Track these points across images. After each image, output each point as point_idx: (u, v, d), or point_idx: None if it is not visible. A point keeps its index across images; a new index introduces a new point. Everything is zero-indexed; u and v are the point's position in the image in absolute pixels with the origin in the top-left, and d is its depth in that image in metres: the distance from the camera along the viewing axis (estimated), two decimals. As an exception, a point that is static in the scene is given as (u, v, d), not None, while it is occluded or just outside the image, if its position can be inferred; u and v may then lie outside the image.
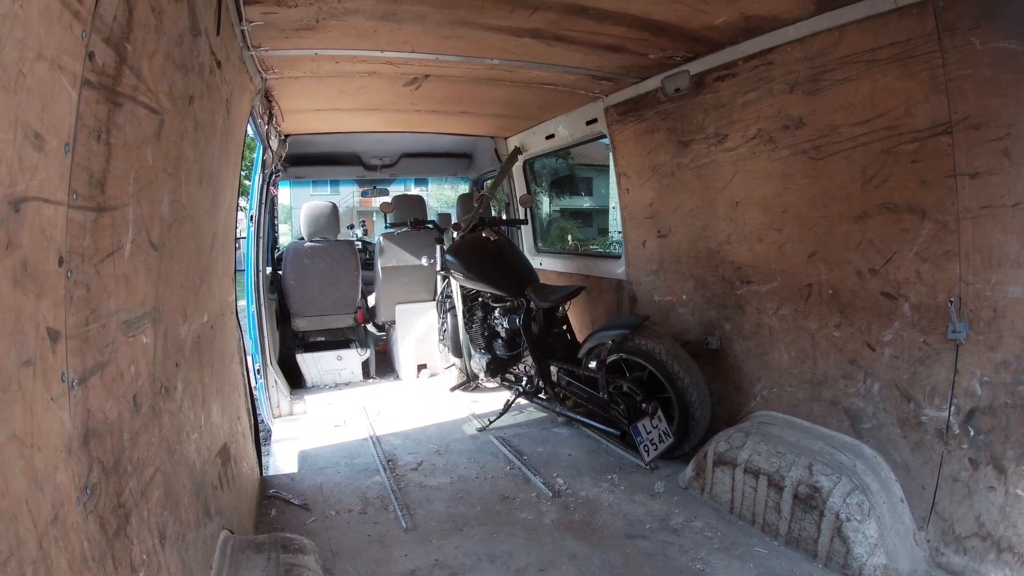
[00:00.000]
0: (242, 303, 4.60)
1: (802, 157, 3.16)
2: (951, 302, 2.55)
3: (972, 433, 2.52)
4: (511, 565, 2.78)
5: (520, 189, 6.29)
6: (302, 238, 6.02)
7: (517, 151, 5.92)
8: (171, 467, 1.76)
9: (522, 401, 4.72)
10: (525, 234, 6.29)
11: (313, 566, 2.26)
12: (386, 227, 6.11)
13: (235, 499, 2.67)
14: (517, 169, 6.18)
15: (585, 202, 27.14)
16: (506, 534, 3.04)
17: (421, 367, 6.05)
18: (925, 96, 2.57)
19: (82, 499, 1.15)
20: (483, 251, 4.87)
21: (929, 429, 2.68)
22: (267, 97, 4.11)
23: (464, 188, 8.16)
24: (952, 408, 2.58)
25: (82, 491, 1.15)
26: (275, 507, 3.32)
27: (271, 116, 4.37)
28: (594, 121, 4.76)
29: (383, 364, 6.48)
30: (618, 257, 4.89)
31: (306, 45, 3.30)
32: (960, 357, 2.55)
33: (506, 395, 4.74)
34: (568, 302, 4.44)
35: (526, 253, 5.96)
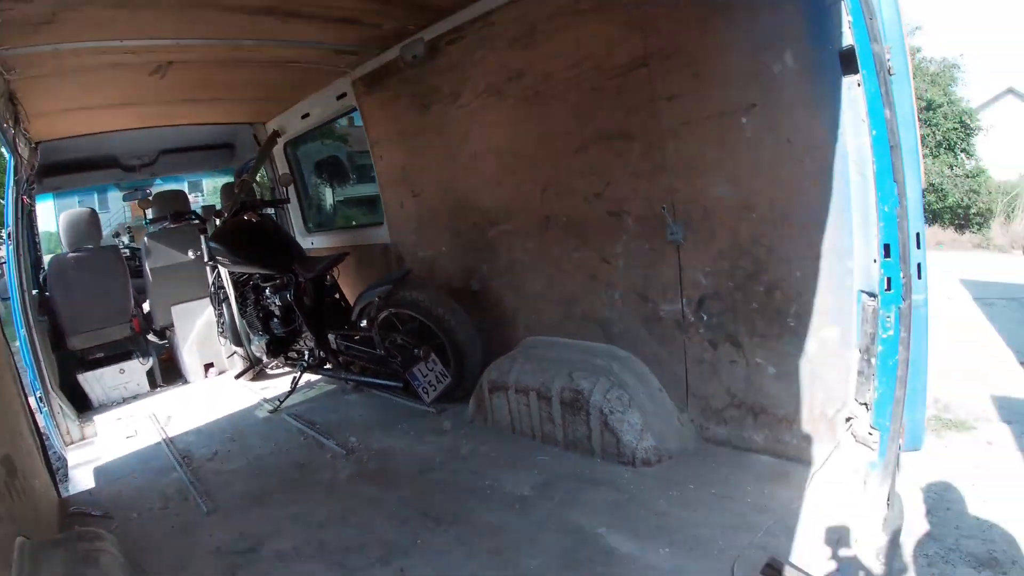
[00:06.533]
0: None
1: (525, 104, 3.21)
2: (664, 208, 2.71)
3: (705, 318, 2.70)
4: (312, 521, 2.62)
5: (283, 171, 5.81)
6: (65, 252, 5.05)
7: (276, 134, 5.45)
8: None
9: (312, 377, 4.42)
10: (294, 217, 5.83)
11: (111, 548, 2.06)
12: (147, 227, 5.32)
13: (29, 511, 2.30)
14: (278, 152, 5.69)
15: (367, 189, 25.92)
16: (304, 495, 2.86)
17: (208, 366, 5.36)
18: (624, 36, 2.69)
19: None
20: (245, 233, 4.40)
21: (668, 322, 2.83)
22: (12, 100, 3.42)
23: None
24: (683, 300, 2.75)
25: None
26: (77, 523, 2.82)
27: (17, 121, 3.63)
28: (344, 95, 4.48)
29: (170, 371, 5.64)
30: (382, 224, 4.70)
31: (45, 40, 2.87)
32: (681, 255, 2.72)
33: (293, 375, 4.39)
34: (335, 268, 4.18)
35: (297, 236, 5.54)
